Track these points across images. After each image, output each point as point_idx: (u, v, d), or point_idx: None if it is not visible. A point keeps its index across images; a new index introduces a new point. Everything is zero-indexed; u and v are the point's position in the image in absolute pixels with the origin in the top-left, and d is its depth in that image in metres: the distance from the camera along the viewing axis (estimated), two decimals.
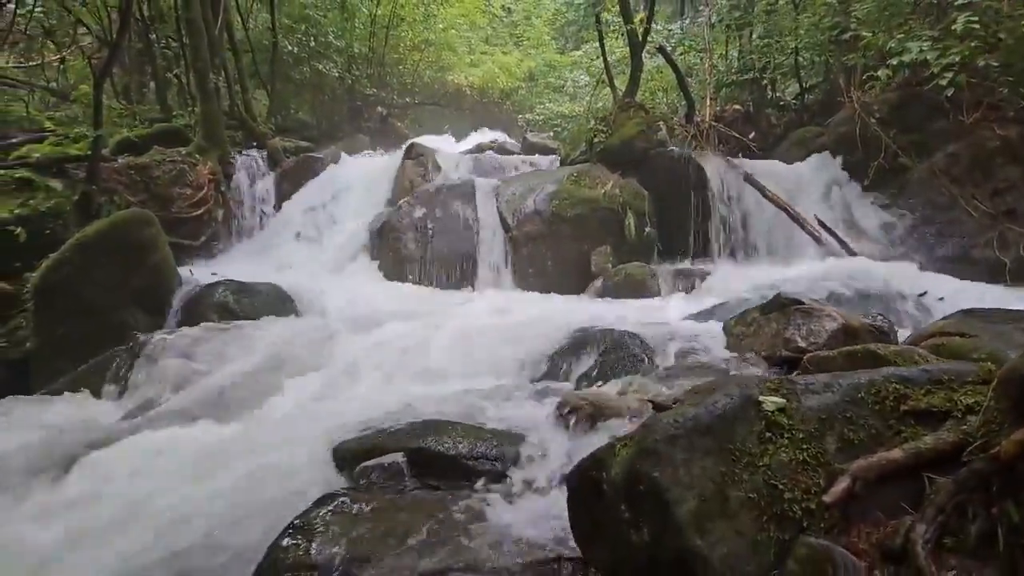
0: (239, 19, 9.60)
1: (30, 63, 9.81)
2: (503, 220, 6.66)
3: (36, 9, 7.57)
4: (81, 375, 3.99)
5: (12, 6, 6.57)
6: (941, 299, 4.24)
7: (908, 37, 5.32)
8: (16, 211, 4.99)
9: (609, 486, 1.28)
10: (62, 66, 9.35)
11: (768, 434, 1.26)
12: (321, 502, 1.94)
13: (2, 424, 3.50)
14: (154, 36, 8.66)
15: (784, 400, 1.30)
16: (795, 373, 2.34)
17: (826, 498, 1.19)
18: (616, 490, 1.24)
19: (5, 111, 8.24)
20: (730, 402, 1.28)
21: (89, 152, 5.72)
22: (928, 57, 5.09)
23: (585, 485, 1.39)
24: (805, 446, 1.26)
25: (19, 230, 4.87)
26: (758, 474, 1.21)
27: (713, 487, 1.16)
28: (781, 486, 1.21)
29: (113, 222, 4.64)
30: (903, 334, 3.35)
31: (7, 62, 9.46)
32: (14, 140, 6.79)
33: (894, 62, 5.36)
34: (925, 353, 2.34)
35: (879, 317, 3.40)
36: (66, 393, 3.85)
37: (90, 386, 3.84)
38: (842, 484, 1.20)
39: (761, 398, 1.29)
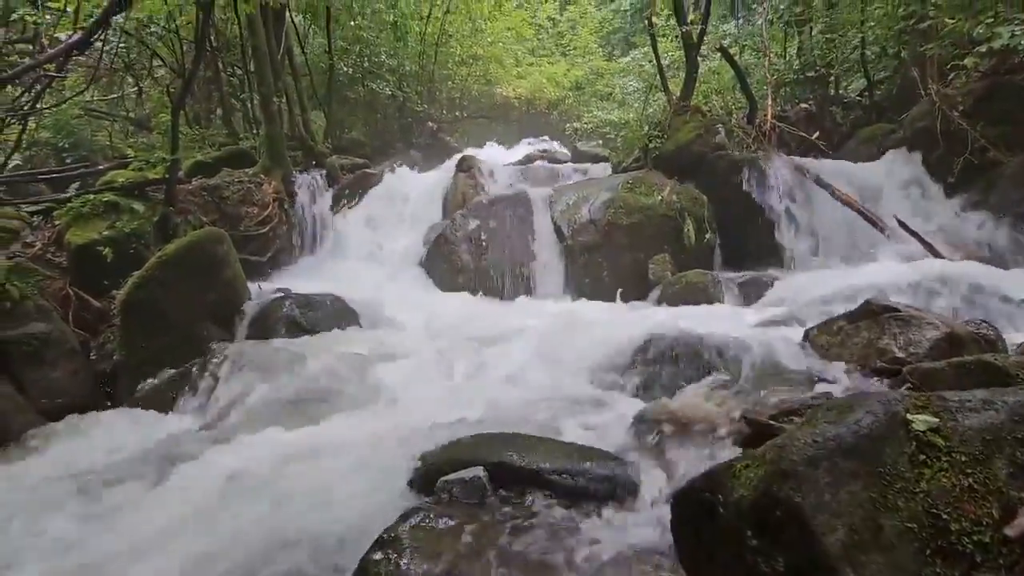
0: (298, 43, 10.03)
1: (112, 96, 10.62)
2: (558, 230, 6.61)
3: (119, 45, 8.17)
4: (163, 385, 4.19)
5: (100, 44, 7.11)
6: None
7: (998, 22, 4.94)
8: (104, 233, 5.34)
9: (728, 509, 1.19)
10: (140, 97, 10.05)
11: (922, 456, 1.13)
12: (406, 516, 1.92)
13: (91, 432, 3.72)
14: (221, 64, 9.17)
15: (936, 418, 1.17)
16: (904, 387, 2.15)
17: (1008, 531, 1.05)
18: (740, 515, 1.15)
19: (92, 140, 8.94)
20: (875, 420, 1.15)
21: (166, 175, 6.07)
22: (1022, 43, 4.71)
23: (695, 506, 1.30)
24: (969, 471, 1.11)
25: (107, 250, 5.21)
26: (915, 501, 1.08)
27: (863, 515, 1.05)
28: (945, 516, 1.07)
29: (190, 240, 4.88)
30: (1010, 342, 3.08)
31: (92, 96, 10.26)
32: (100, 167, 7.32)
33: (983, 49, 4.99)
34: None
35: (983, 324, 3.11)
36: (150, 403, 4.07)
37: (172, 396, 4.03)
38: None
39: (909, 416, 1.17)
